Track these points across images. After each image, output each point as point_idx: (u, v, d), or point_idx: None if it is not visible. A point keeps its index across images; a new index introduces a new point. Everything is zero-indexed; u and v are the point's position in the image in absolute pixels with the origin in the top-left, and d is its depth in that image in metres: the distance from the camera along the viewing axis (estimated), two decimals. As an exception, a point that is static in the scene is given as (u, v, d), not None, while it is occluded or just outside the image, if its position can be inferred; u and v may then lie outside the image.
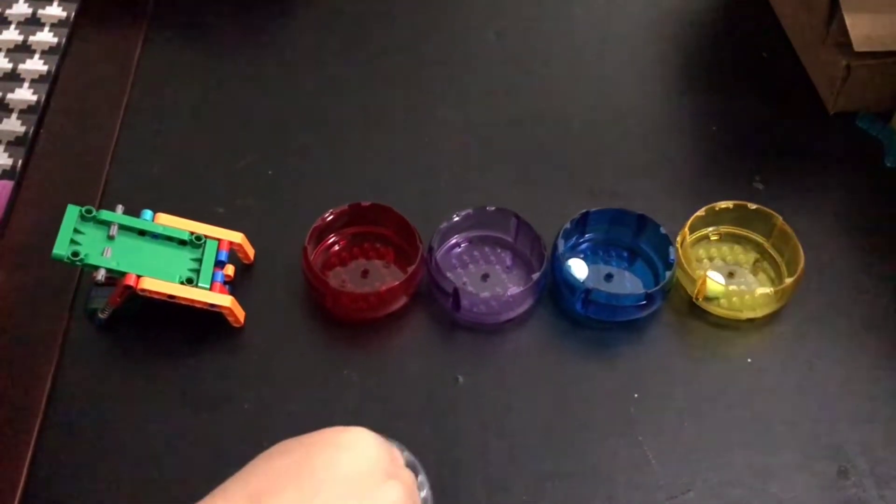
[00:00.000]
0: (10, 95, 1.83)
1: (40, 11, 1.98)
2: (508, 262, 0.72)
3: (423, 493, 0.58)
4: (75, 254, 0.63)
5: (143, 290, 0.63)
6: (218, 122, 0.82)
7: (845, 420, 0.65)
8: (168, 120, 0.82)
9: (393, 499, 0.47)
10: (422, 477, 0.58)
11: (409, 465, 0.59)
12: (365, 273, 0.71)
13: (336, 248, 0.72)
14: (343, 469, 0.47)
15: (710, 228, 0.74)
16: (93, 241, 0.65)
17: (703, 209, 0.72)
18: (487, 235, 0.73)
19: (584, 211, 0.71)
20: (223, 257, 0.68)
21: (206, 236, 0.68)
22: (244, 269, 0.71)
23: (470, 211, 0.71)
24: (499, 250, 0.72)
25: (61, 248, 0.63)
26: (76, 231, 0.64)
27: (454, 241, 0.72)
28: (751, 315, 0.69)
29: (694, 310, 0.70)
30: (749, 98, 0.86)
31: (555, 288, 0.70)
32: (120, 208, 0.68)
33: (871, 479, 0.62)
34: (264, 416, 0.64)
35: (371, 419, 0.63)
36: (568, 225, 0.70)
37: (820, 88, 0.85)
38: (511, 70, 0.88)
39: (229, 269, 0.69)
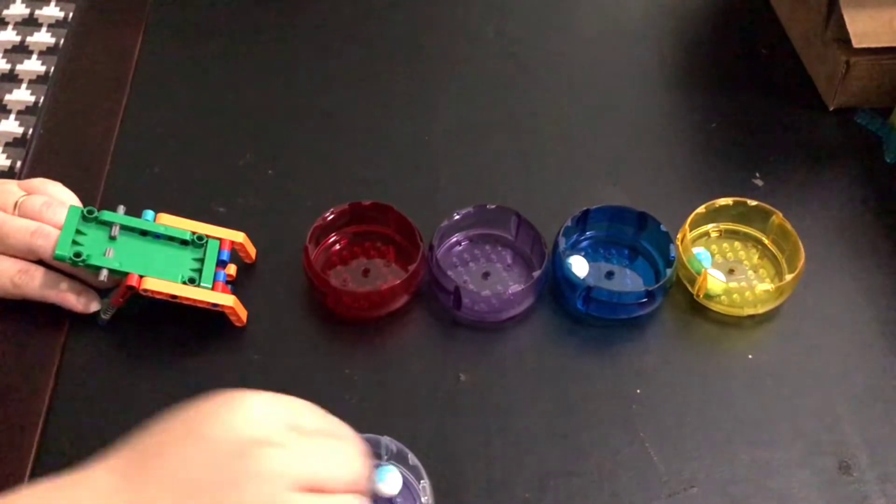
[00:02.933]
0: (7, 96, 1.83)
1: (38, 12, 1.98)
2: (509, 260, 0.72)
3: (425, 499, 0.58)
4: (77, 254, 0.63)
5: (146, 291, 0.63)
6: (218, 122, 0.82)
7: (847, 415, 0.65)
8: (168, 120, 0.82)
9: (267, 469, 0.46)
10: (424, 482, 0.58)
11: (413, 470, 0.59)
12: (366, 272, 0.71)
13: (337, 247, 0.72)
14: (217, 432, 0.47)
15: (711, 225, 0.74)
16: (95, 242, 0.65)
17: (703, 206, 0.72)
18: (488, 233, 0.73)
19: (584, 209, 0.71)
20: (225, 257, 0.68)
21: (207, 236, 0.68)
22: (246, 268, 0.71)
23: (470, 209, 0.71)
24: (499, 248, 0.73)
25: (63, 249, 0.63)
26: (78, 232, 0.65)
27: (455, 239, 0.73)
28: (751, 311, 0.69)
29: (695, 307, 0.70)
30: (748, 95, 0.86)
31: (556, 286, 0.70)
32: (121, 209, 0.68)
33: (873, 474, 0.62)
34: (267, 416, 0.64)
35: (372, 417, 0.63)
36: (568, 223, 0.70)
37: (819, 85, 0.85)
38: (511, 67, 0.88)
39: (231, 269, 0.69)
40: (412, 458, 0.59)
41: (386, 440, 0.59)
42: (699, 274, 0.68)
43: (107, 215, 0.66)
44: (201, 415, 0.48)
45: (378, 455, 0.60)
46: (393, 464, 0.60)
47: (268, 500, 0.46)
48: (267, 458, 0.46)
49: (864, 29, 0.78)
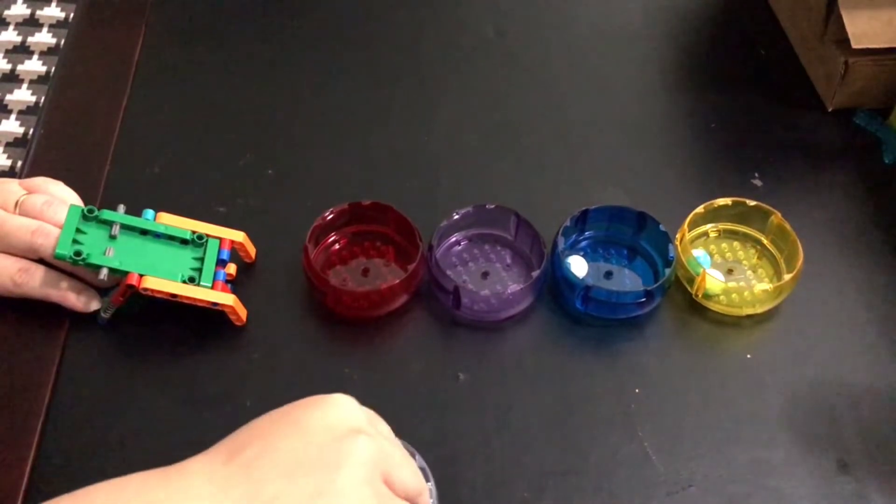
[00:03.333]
0: (8, 97, 1.83)
1: (39, 12, 1.98)
2: (508, 259, 0.72)
3: (431, 501, 0.57)
4: (78, 253, 0.63)
5: (146, 290, 0.63)
6: (218, 122, 0.82)
7: (845, 415, 0.65)
8: (168, 120, 0.82)
9: (361, 452, 0.48)
10: (430, 484, 0.58)
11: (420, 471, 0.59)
12: (365, 271, 0.71)
13: (337, 246, 0.72)
14: (315, 421, 0.49)
15: (709, 225, 0.74)
16: (95, 241, 0.65)
17: (702, 206, 0.72)
18: (487, 233, 0.73)
19: (583, 208, 0.71)
20: (225, 256, 0.68)
21: (207, 235, 0.68)
22: (246, 267, 0.71)
23: (469, 209, 0.71)
24: (499, 248, 0.73)
25: (64, 248, 0.63)
26: (78, 231, 0.65)
27: (454, 239, 0.73)
28: (750, 311, 0.69)
29: (693, 306, 0.71)
30: (747, 95, 0.86)
31: (555, 285, 0.70)
32: (122, 208, 0.68)
33: (870, 473, 0.62)
34: (266, 414, 0.64)
35: (373, 416, 0.63)
36: (567, 222, 0.70)
37: (818, 85, 0.85)
38: (510, 67, 0.88)
39: (231, 268, 0.69)
40: (419, 460, 0.59)
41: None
42: (698, 274, 0.68)
43: (107, 214, 0.66)
44: (296, 409, 0.51)
45: None
46: None
47: (363, 482, 0.48)
48: (363, 444, 0.49)
49: (863, 29, 0.78)
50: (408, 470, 0.51)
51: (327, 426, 0.49)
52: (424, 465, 0.59)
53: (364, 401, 0.65)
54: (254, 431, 0.49)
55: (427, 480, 0.58)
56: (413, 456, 0.59)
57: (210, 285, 0.66)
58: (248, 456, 0.48)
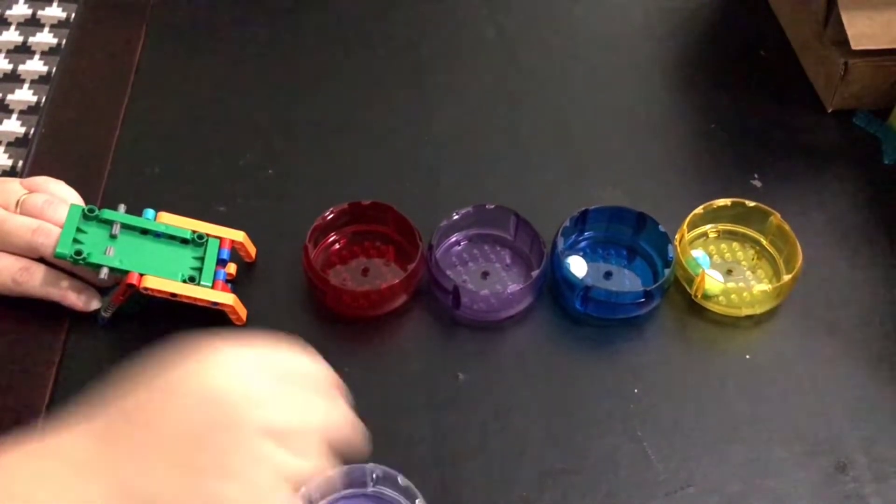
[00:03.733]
0: (10, 96, 1.83)
1: (40, 12, 1.98)
2: (508, 259, 0.72)
3: None
4: (78, 252, 0.64)
5: (146, 289, 0.64)
6: (218, 122, 0.82)
7: (843, 415, 0.65)
8: (168, 120, 0.82)
9: (247, 416, 0.46)
10: (419, 501, 0.57)
11: (405, 491, 0.58)
12: (365, 271, 0.71)
13: (337, 246, 0.72)
14: (195, 392, 0.46)
15: (709, 226, 0.74)
16: (95, 240, 0.65)
17: (702, 207, 0.72)
18: (487, 233, 0.73)
19: (583, 209, 0.71)
20: (225, 255, 0.68)
21: (207, 235, 0.69)
22: (246, 267, 0.72)
23: (469, 209, 0.72)
24: (498, 248, 0.73)
25: (64, 247, 0.64)
26: (79, 230, 0.65)
27: (454, 239, 0.73)
28: (749, 312, 0.69)
29: (693, 307, 0.71)
30: (747, 96, 0.86)
31: (554, 285, 0.71)
32: (122, 207, 0.68)
33: (869, 474, 0.62)
34: (266, 414, 0.64)
35: (371, 416, 0.63)
36: (567, 223, 0.71)
37: (817, 86, 0.85)
38: (510, 67, 0.88)
39: (231, 268, 0.69)
40: (402, 479, 0.58)
41: (370, 466, 0.58)
42: (697, 274, 0.68)
43: (108, 214, 0.66)
44: (181, 373, 0.48)
45: (363, 483, 0.59)
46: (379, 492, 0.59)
47: (256, 461, 0.46)
48: (244, 410, 0.46)
49: (863, 31, 0.78)
50: (311, 410, 0.49)
51: (210, 393, 0.46)
52: (409, 483, 0.57)
53: (364, 400, 0.65)
54: (133, 402, 0.47)
55: (414, 498, 0.57)
56: (394, 478, 0.58)
57: (210, 285, 0.66)
58: (127, 438, 0.45)
